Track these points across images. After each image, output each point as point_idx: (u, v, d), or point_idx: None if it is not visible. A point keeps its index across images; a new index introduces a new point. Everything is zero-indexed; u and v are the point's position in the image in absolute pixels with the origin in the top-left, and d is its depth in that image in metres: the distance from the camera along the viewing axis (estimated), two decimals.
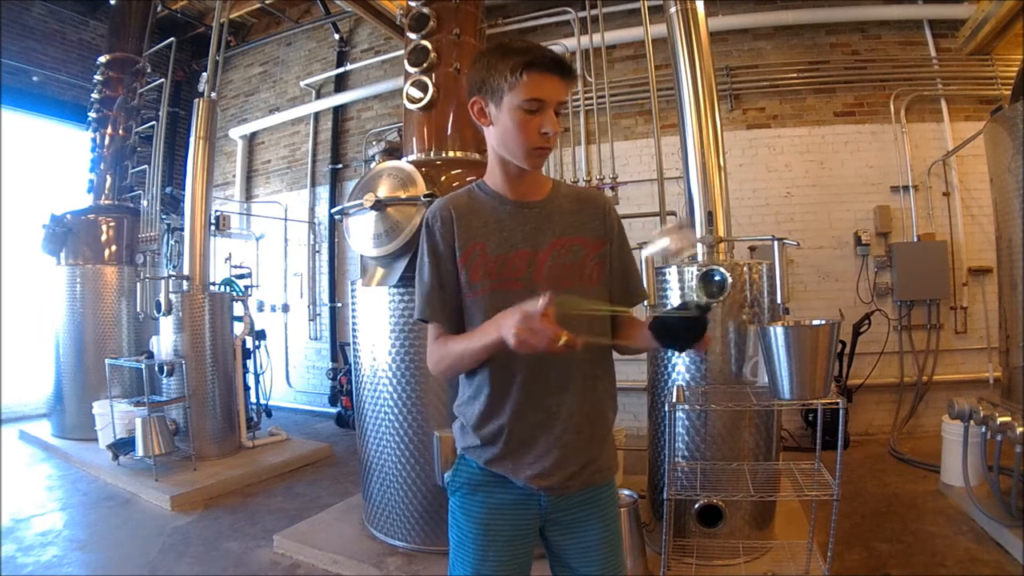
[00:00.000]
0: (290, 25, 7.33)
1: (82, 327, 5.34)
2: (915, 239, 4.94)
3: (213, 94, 4.87)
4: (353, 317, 3.19)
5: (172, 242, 5.47)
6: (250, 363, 5.14)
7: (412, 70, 3.31)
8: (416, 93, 3.28)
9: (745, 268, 2.68)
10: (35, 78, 6.64)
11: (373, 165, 3.90)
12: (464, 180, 2.94)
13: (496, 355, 1.16)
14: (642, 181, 5.25)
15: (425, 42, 3.28)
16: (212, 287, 4.87)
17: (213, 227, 5.66)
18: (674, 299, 2.79)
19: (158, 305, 4.49)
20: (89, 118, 5.77)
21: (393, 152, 5.14)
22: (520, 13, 5.86)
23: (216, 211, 6.14)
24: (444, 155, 3.26)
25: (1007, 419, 2.78)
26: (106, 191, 5.75)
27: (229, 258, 5.92)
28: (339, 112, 6.98)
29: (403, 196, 2.88)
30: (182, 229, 4.97)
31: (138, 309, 5.08)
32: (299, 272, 7.05)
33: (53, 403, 5.42)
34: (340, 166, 6.93)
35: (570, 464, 1.24)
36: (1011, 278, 3.16)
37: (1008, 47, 4.72)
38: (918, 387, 4.86)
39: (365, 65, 6.84)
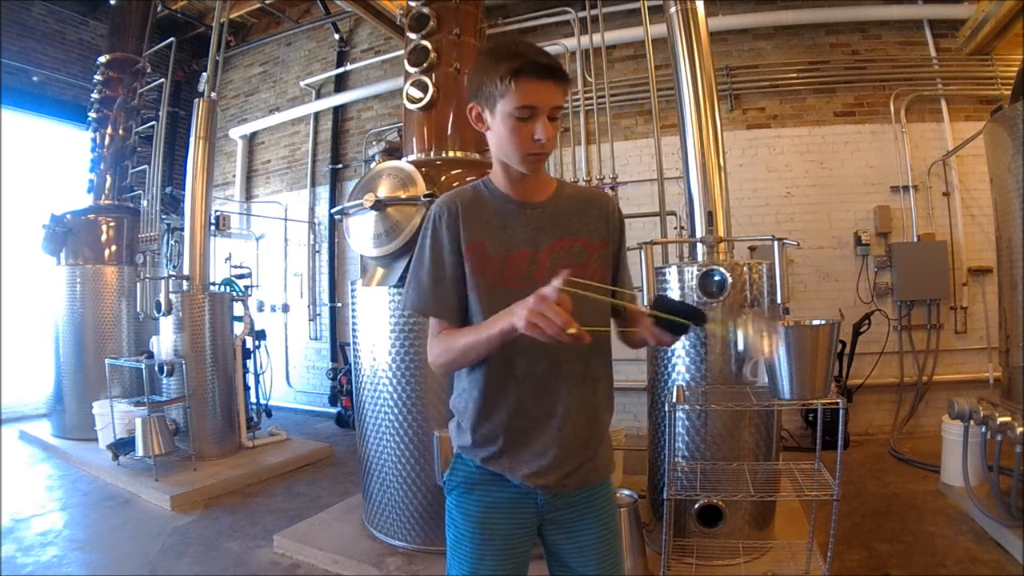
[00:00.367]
0: (290, 25, 7.33)
1: (82, 327, 5.34)
2: (915, 239, 4.94)
3: (213, 94, 4.87)
4: (353, 317, 3.19)
5: (172, 242, 5.47)
6: (250, 363, 5.14)
7: (412, 70, 3.31)
8: (416, 93, 3.28)
9: (745, 268, 2.69)
10: (35, 78, 6.64)
11: (373, 165, 3.90)
12: (464, 180, 2.94)
13: (495, 352, 1.15)
14: (642, 181, 5.25)
15: (425, 42, 3.28)
16: (212, 287, 4.86)
17: (213, 227, 5.67)
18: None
19: (158, 305, 4.49)
20: (89, 118, 5.77)
21: (393, 152, 5.14)
22: (520, 13, 5.86)
23: (216, 211, 6.15)
24: (444, 155, 3.26)
25: (1007, 419, 2.78)
26: (106, 191, 5.75)
27: (229, 258, 5.92)
28: (339, 112, 6.98)
29: (403, 196, 2.88)
30: (182, 229, 4.97)
31: (138, 309, 5.08)
32: (299, 272, 7.05)
33: (53, 403, 5.42)
34: (340, 166, 6.93)
35: (567, 463, 1.24)
36: (1011, 278, 3.16)
37: (1008, 47, 4.72)
38: (918, 387, 4.86)
39: (365, 65, 6.84)
